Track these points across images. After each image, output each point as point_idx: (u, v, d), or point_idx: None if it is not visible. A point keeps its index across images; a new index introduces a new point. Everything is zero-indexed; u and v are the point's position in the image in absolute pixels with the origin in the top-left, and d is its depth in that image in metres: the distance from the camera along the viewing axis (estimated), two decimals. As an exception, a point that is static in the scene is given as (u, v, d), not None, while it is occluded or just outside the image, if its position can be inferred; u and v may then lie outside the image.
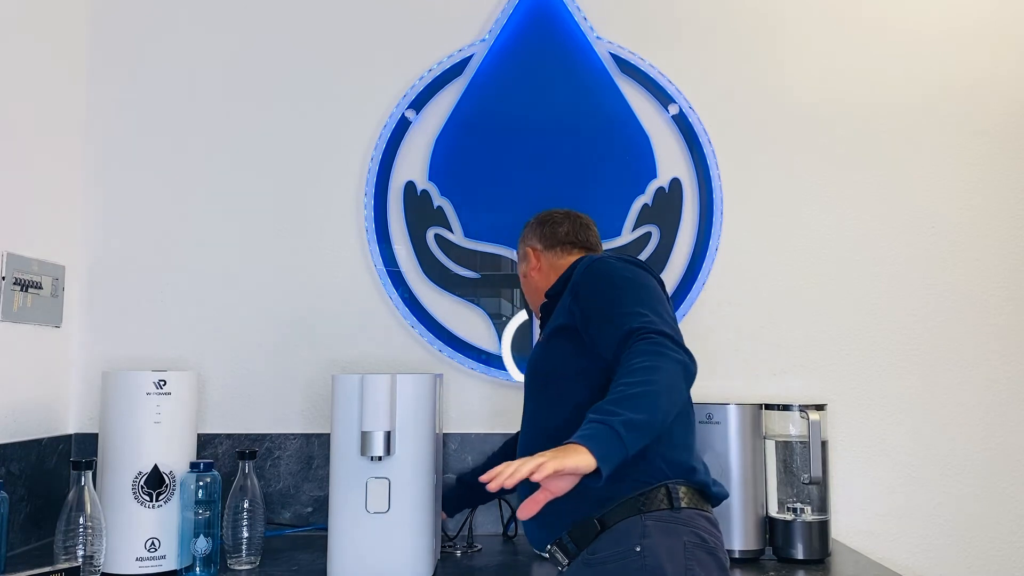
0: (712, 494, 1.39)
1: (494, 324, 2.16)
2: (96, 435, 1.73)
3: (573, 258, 1.66)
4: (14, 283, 1.84)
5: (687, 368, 1.28)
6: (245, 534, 1.72)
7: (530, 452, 1.23)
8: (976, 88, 2.25)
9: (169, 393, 1.68)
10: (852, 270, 2.19)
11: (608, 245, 2.16)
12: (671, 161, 2.21)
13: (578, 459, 1.13)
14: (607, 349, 1.34)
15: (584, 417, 1.22)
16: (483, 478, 1.16)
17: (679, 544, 1.28)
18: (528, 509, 1.19)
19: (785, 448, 1.88)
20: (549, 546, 1.41)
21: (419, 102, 2.20)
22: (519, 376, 2.13)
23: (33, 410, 1.93)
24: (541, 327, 1.64)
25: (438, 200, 2.19)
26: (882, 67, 2.25)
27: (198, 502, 1.64)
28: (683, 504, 1.32)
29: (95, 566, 1.56)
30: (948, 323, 2.18)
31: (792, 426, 1.88)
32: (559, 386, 1.43)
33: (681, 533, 1.29)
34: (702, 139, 2.20)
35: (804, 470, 1.84)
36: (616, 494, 1.32)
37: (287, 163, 2.20)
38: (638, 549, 1.27)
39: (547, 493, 1.18)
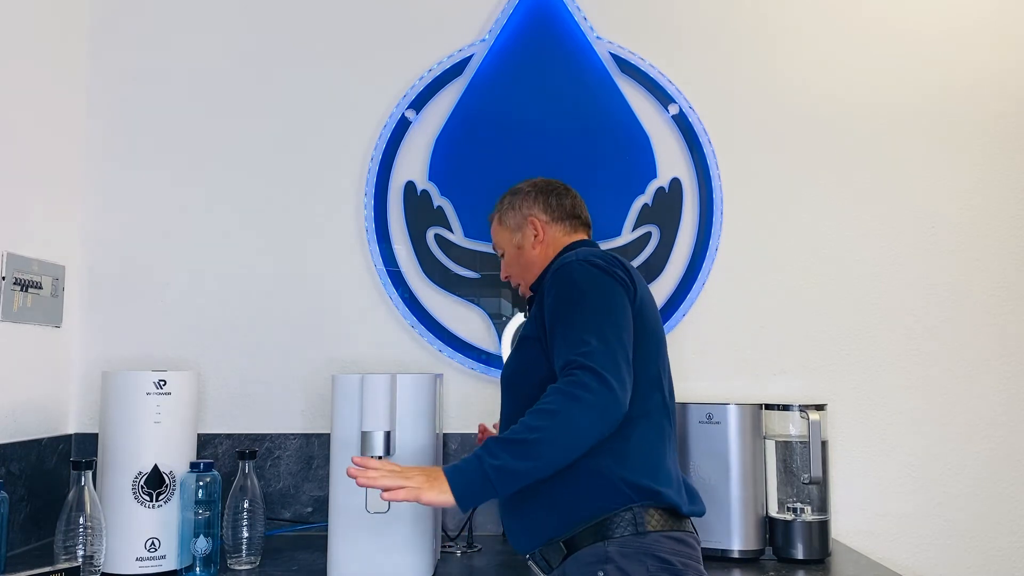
0: (684, 514, 1.36)
1: (494, 324, 2.16)
2: (96, 435, 1.73)
3: (575, 238, 1.60)
4: (14, 283, 1.84)
5: (594, 410, 1.25)
6: (245, 534, 1.72)
7: None
8: (976, 88, 2.25)
9: (169, 393, 1.68)
10: (852, 270, 2.19)
11: (608, 245, 2.16)
12: (671, 161, 2.21)
13: (437, 496, 1.23)
14: (556, 369, 1.34)
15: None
16: (351, 469, 1.26)
17: (642, 570, 1.28)
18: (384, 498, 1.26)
19: (785, 448, 1.88)
20: (527, 557, 1.43)
21: (419, 102, 2.20)
22: (519, 376, 2.13)
23: (33, 410, 1.93)
24: (527, 311, 1.60)
25: (438, 200, 2.19)
26: (882, 67, 2.25)
27: (198, 502, 1.64)
28: (648, 528, 1.31)
29: (95, 566, 1.56)
30: (948, 323, 2.18)
31: (792, 426, 1.88)
32: (528, 392, 1.38)
33: (645, 560, 1.28)
34: (702, 139, 2.20)
35: (804, 470, 1.84)
36: (581, 518, 1.32)
37: (287, 163, 2.20)
38: (600, 575, 1.28)
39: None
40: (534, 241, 1.59)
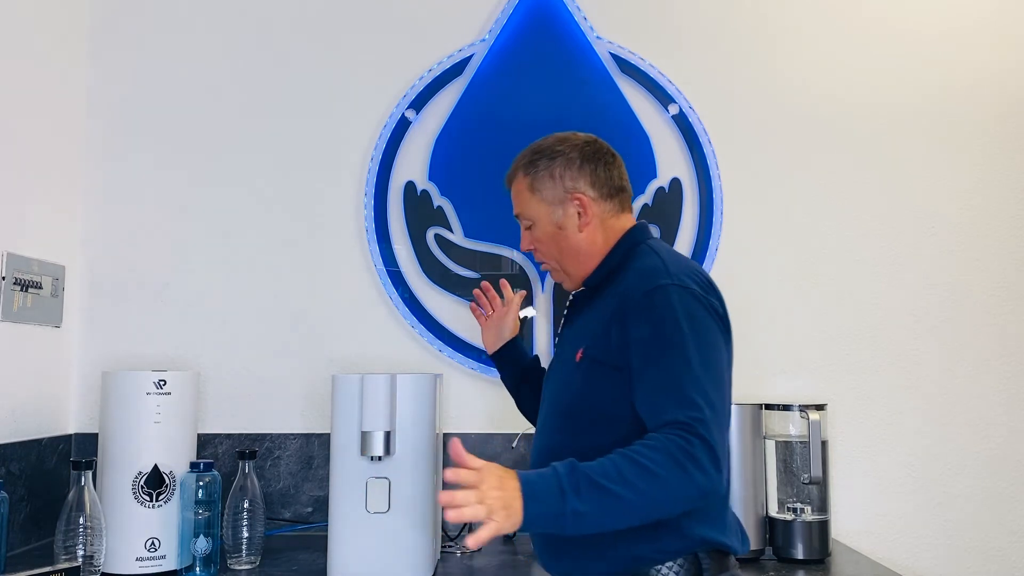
0: (736, 552, 1.30)
1: (494, 324, 2.16)
2: (96, 435, 1.73)
3: (625, 219, 1.39)
4: (14, 283, 1.84)
5: (699, 490, 1.13)
6: (245, 534, 1.72)
7: None
8: (976, 88, 2.24)
9: (169, 393, 1.68)
10: (852, 270, 2.19)
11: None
12: (671, 161, 2.21)
13: (509, 528, 1.07)
14: (642, 412, 1.21)
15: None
16: (443, 496, 1.08)
17: None
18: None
19: (785, 448, 1.88)
20: None
21: (419, 102, 2.20)
22: (519, 376, 2.13)
23: (33, 410, 1.93)
24: (568, 308, 1.43)
25: (438, 200, 2.19)
26: (882, 67, 2.25)
27: (198, 502, 1.64)
28: (708, 574, 1.24)
29: (95, 566, 1.56)
30: (948, 323, 2.18)
31: (792, 426, 1.88)
32: (591, 424, 1.27)
33: None
34: (702, 139, 2.20)
35: (804, 470, 1.84)
36: (643, 560, 1.23)
37: (287, 163, 2.19)
38: None
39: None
40: (580, 223, 1.36)
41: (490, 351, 1.72)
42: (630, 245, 1.36)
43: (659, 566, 1.22)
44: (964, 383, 2.16)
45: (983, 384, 2.17)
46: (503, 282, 1.73)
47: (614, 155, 1.42)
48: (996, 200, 2.22)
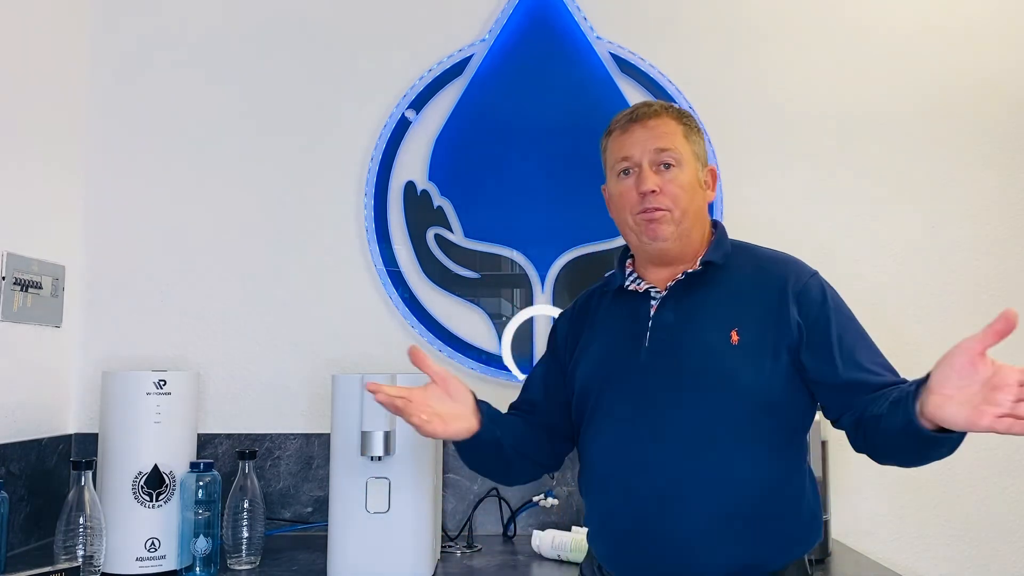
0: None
1: (494, 324, 2.16)
2: (96, 435, 1.73)
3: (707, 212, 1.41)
4: (14, 283, 1.84)
5: None
6: (245, 534, 1.72)
7: (721, 518, 1.22)
8: (977, 88, 2.24)
9: (169, 393, 1.68)
10: (852, 270, 2.19)
11: (608, 245, 2.16)
12: (671, 161, 2.21)
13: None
14: (835, 377, 1.25)
15: (802, 472, 1.29)
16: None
17: None
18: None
19: (785, 448, 1.88)
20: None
21: (419, 102, 2.20)
22: (520, 376, 2.12)
23: (33, 410, 1.93)
24: (668, 292, 1.33)
25: (438, 200, 2.19)
26: (882, 67, 2.25)
27: (198, 502, 1.64)
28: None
29: (95, 566, 1.56)
30: (948, 323, 2.18)
31: (792, 426, 1.88)
32: (769, 422, 1.25)
33: None
34: (702, 139, 2.19)
35: (804, 470, 1.83)
36: (793, 552, 1.28)
37: (287, 163, 2.19)
38: None
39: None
40: (708, 192, 1.37)
41: (467, 434, 1.30)
42: (716, 228, 1.40)
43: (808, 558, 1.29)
44: (964, 383, 2.16)
45: (983, 384, 2.16)
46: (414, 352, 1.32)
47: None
48: (996, 200, 2.22)
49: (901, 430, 1.12)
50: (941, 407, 1.03)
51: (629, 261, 1.44)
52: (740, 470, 1.24)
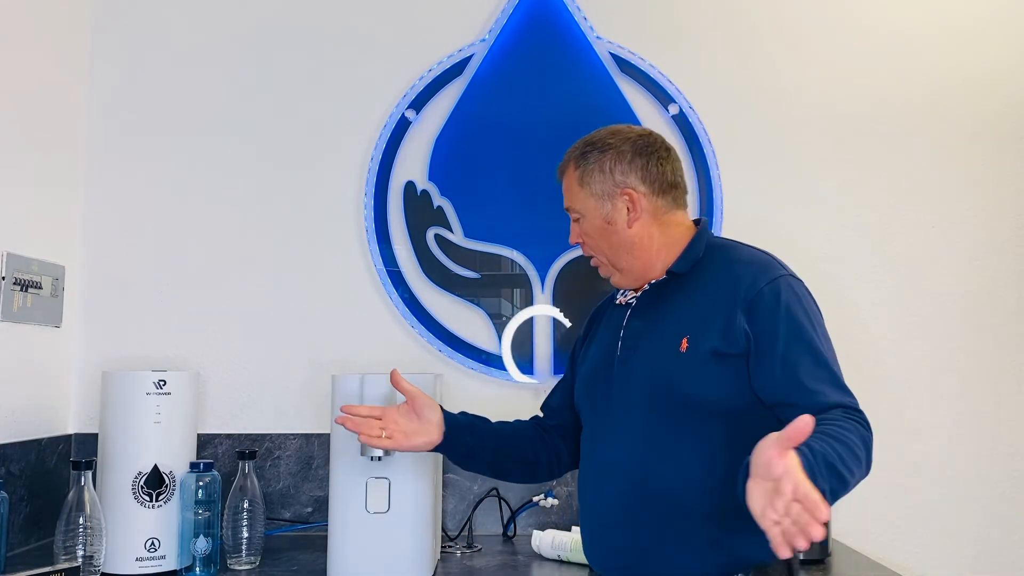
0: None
1: (494, 324, 2.16)
2: (96, 435, 1.73)
3: (684, 221, 1.39)
4: (14, 283, 1.84)
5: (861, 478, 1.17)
6: (245, 534, 1.72)
7: (663, 508, 1.24)
8: (978, 87, 2.24)
9: (169, 393, 1.68)
10: (852, 271, 2.19)
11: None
12: (671, 161, 2.20)
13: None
14: (784, 397, 1.20)
15: (741, 469, 1.16)
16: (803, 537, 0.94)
17: None
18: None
19: (785, 448, 1.88)
20: None
21: (419, 102, 2.20)
22: (520, 376, 2.13)
23: (33, 410, 1.93)
24: (636, 301, 1.37)
25: (438, 200, 2.19)
26: (883, 66, 2.25)
27: (198, 502, 1.64)
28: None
29: (95, 566, 1.56)
30: (948, 323, 2.18)
31: (792, 426, 1.88)
32: (698, 412, 1.26)
33: None
34: (702, 139, 2.20)
35: (804, 470, 1.83)
36: (744, 563, 1.28)
37: (287, 163, 2.19)
38: None
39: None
40: (629, 218, 1.34)
41: (429, 446, 1.41)
42: (708, 238, 1.39)
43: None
44: (963, 384, 2.16)
45: (982, 384, 2.16)
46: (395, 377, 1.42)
47: (669, 149, 1.40)
48: (996, 200, 2.22)
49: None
50: (749, 492, 0.99)
51: None
52: (693, 473, 1.26)
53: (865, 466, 1.15)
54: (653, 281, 1.38)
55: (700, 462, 1.26)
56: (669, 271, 1.35)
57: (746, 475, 1.01)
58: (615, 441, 1.33)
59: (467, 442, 1.45)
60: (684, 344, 1.27)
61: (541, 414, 1.60)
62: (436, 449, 1.43)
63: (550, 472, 1.55)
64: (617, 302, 1.46)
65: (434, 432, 1.41)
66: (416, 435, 1.40)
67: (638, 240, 1.36)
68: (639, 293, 1.40)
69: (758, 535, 1.04)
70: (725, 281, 1.30)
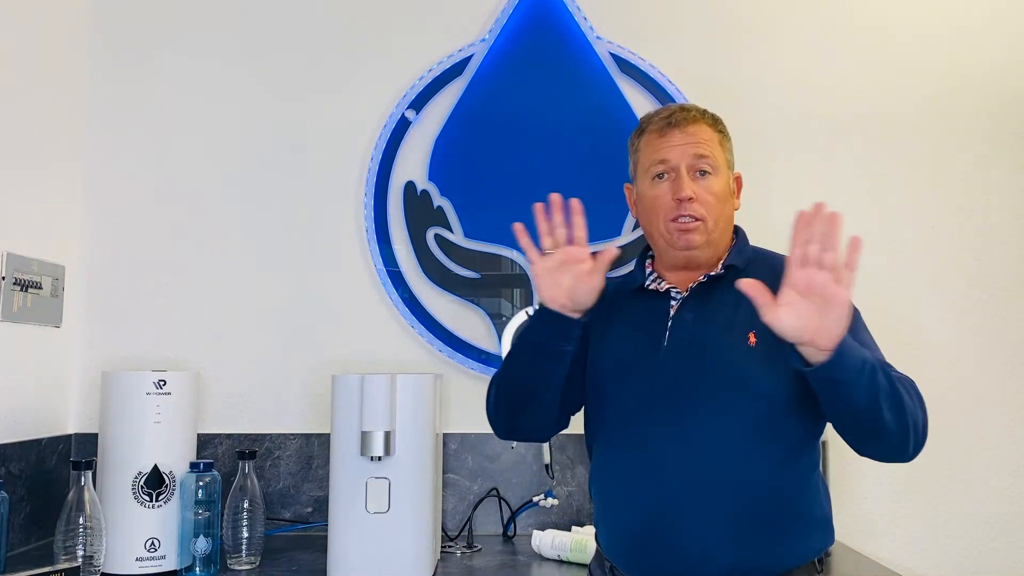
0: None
1: (494, 324, 2.16)
2: (96, 435, 1.73)
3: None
4: (14, 283, 1.84)
5: (917, 447, 1.30)
6: (245, 534, 1.72)
7: (725, 519, 1.24)
8: (979, 86, 2.24)
9: (169, 393, 1.68)
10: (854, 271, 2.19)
11: (607, 245, 2.15)
12: (671, 161, 2.20)
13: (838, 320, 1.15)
14: None
15: (815, 475, 1.30)
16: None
17: None
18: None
19: (785, 448, 1.88)
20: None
21: (419, 102, 2.20)
22: (519, 376, 2.13)
23: (33, 410, 1.93)
24: (689, 294, 1.34)
25: (438, 200, 2.19)
26: (884, 67, 2.25)
27: (198, 502, 1.64)
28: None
29: (95, 566, 1.56)
30: (948, 323, 2.18)
31: (792, 426, 1.88)
32: (794, 421, 1.28)
33: None
34: (702, 139, 2.19)
35: (804, 470, 1.83)
36: (803, 555, 1.29)
37: (287, 163, 2.19)
38: None
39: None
40: (735, 199, 1.41)
41: (563, 308, 1.28)
42: (746, 239, 1.43)
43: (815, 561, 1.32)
44: (963, 384, 2.16)
45: (982, 385, 2.16)
46: (575, 212, 1.33)
47: None
48: (996, 200, 2.22)
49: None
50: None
51: (649, 261, 1.46)
52: (756, 471, 1.25)
53: (905, 412, 1.21)
54: (710, 274, 1.35)
55: (764, 460, 1.27)
56: (726, 265, 1.35)
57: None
58: (671, 437, 1.27)
59: (574, 350, 1.32)
60: (752, 339, 1.27)
61: None
62: (565, 322, 1.28)
63: (548, 432, 1.45)
64: (649, 287, 1.39)
65: (577, 312, 1.30)
66: (572, 291, 1.28)
67: (731, 221, 1.40)
68: (694, 284, 1.35)
69: (800, 538, 1.19)
70: (780, 281, 1.28)
